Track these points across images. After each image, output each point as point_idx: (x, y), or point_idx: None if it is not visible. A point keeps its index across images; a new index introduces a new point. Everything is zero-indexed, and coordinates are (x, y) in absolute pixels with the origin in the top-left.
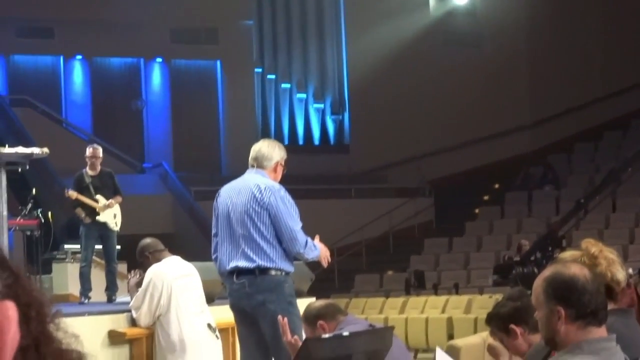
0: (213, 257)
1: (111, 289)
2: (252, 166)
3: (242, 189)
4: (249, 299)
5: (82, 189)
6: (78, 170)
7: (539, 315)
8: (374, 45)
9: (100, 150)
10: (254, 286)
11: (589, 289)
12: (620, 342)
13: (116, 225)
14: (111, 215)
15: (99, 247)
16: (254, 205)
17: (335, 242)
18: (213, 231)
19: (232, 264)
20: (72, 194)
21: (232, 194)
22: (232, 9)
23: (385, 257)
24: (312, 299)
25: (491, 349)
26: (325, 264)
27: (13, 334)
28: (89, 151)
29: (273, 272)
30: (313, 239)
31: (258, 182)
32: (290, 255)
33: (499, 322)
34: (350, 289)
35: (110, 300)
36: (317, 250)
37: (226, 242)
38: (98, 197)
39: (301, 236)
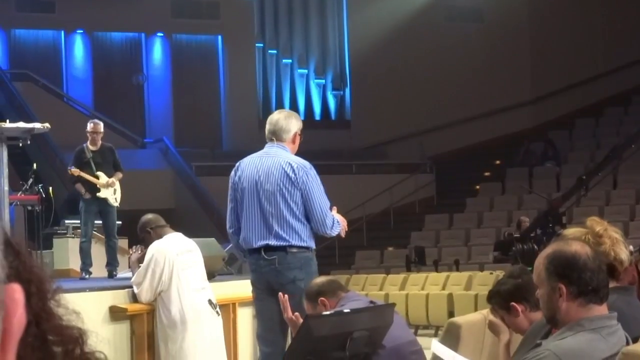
0: (230, 230)
1: (112, 265)
2: (271, 140)
3: (271, 166)
4: (279, 276)
5: (82, 164)
6: (79, 145)
7: (541, 292)
8: (375, 20)
9: (101, 126)
10: (285, 263)
11: (590, 266)
12: (621, 320)
13: (116, 200)
14: (111, 190)
15: (99, 222)
16: (286, 184)
17: None
18: (230, 205)
19: (262, 242)
20: (75, 171)
21: (260, 170)
22: None
23: (386, 233)
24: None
25: (492, 326)
26: (343, 234)
27: (19, 317)
28: (90, 126)
29: (302, 250)
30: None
31: (289, 159)
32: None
33: (500, 299)
34: (351, 265)
35: (111, 275)
36: (340, 226)
37: (255, 218)
38: (99, 173)
39: (329, 217)
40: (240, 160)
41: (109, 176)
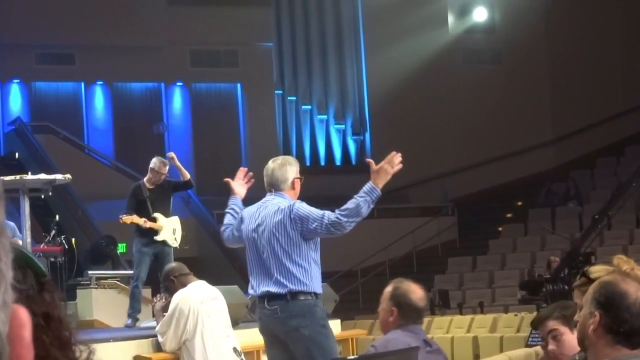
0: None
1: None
2: (270, 191)
3: (267, 215)
4: (282, 325)
5: (138, 202)
6: (101, 195)
7: (582, 313)
8: (393, 64)
9: (168, 168)
10: (286, 312)
11: (632, 310)
12: None
13: (175, 240)
14: (170, 231)
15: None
16: (279, 229)
17: (359, 262)
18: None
19: (263, 289)
20: (127, 219)
21: (257, 221)
22: (252, 32)
23: (409, 277)
24: (337, 321)
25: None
26: (397, 166)
27: (28, 339)
28: (161, 166)
29: (304, 297)
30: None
31: (280, 205)
32: (319, 276)
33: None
34: (375, 310)
35: None
36: (365, 200)
37: (256, 268)
38: (156, 215)
39: (328, 216)
40: (242, 211)
41: (167, 217)
